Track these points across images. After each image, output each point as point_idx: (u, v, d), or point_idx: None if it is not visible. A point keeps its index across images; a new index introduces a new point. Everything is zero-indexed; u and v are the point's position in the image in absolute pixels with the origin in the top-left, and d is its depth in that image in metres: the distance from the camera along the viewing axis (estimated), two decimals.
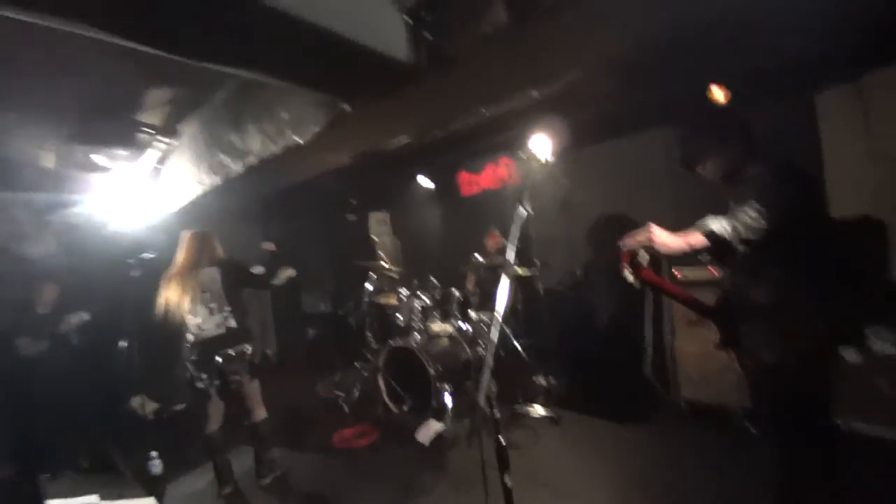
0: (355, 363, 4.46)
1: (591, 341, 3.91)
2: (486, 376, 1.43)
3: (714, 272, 3.01)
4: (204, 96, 3.44)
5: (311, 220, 5.49)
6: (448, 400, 3.38)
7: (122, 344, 3.38)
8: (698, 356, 3.08)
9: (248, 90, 3.17)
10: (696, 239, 1.60)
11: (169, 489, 3.01)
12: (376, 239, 5.17)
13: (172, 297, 2.84)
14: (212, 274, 2.92)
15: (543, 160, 1.87)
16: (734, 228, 1.55)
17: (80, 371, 3.48)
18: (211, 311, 2.84)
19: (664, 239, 1.63)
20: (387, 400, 3.80)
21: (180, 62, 2.55)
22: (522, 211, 1.69)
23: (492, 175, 4.78)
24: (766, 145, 1.77)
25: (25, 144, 3.05)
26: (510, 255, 1.81)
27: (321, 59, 1.84)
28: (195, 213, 4.18)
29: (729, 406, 2.90)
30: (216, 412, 2.85)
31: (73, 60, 2.54)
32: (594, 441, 3.02)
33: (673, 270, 3.18)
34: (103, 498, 2.12)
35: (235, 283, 2.96)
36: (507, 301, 4.11)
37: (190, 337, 2.81)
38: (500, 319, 1.65)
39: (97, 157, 3.51)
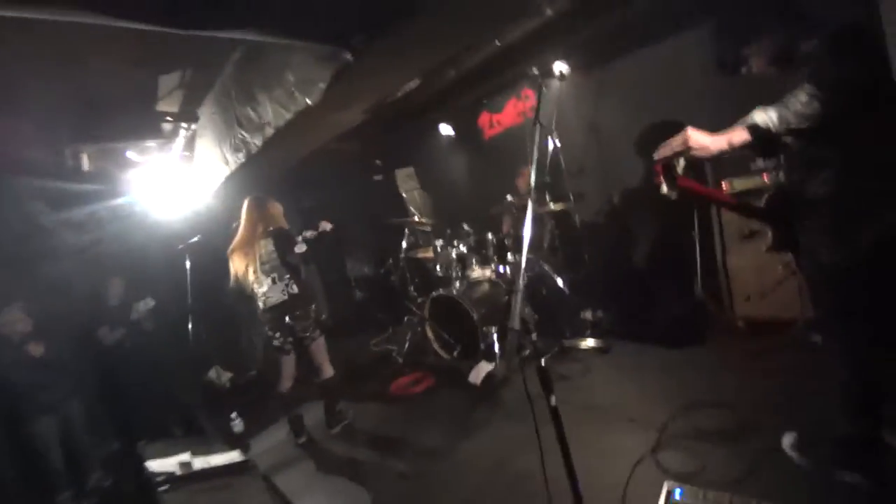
0: (404, 318, 4.61)
1: (637, 269, 3.79)
2: (518, 300, 1.40)
3: (768, 179, 2.77)
4: (212, 75, 3.44)
5: (340, 185, 5.53)
6: (495, 341, 3.45)
7: (190, 324, 3.67)
8: (753, 270, 2.91)
9: (253, 61, 3.12)
10: (738, 136, 1.43)
11: (252, 444, 3.35)
12: (405, 195, 5.15)
13: (239, 268, 3.07)
14: (268, 245, 3.09)
15: (559, 74, 1.72)
16: (781, 118, 1.37)
17: (158, 352, 3.83)
18: (273, 280, 3.04)
19: (702, 141, 1.47)
20: (437, 348, 3.94)
21: (182, 46, 2.54)
22: (537, 137, 1.59)
23: (513, 111, 4.53)
24: (818, 17, 1.52)
25: (62, 146, 3.21)
26: (533, 183, 1.72)
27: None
28: (228, 193, 4.32)
29: (789, 319, 2.75)
30: (289, 371, 3.13)
31: (82, 61, 2.59)
32: (647, 367, 2.98)
33: (721, 182, 2.95)
34: (194, 455, 2.38)
35: (286, 254, 3.10)
36: (546, 238, 4.05)
37: (259, 305, 3.05)
38: (525, 250, 1.60)
39: (129, 153, 3.66)
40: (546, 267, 3.80)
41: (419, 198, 5.18)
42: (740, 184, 2.87)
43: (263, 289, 3.03)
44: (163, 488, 2.11)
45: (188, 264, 3.68)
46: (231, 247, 3.15)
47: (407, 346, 4.21)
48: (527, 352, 1.66)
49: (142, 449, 2.60)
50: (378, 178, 5.28)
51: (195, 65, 3.07)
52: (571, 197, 3.75)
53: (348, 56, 2.32)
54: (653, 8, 3.09)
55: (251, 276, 3.03)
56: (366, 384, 3.96)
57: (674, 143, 1.52)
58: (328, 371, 3.16)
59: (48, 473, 3.04)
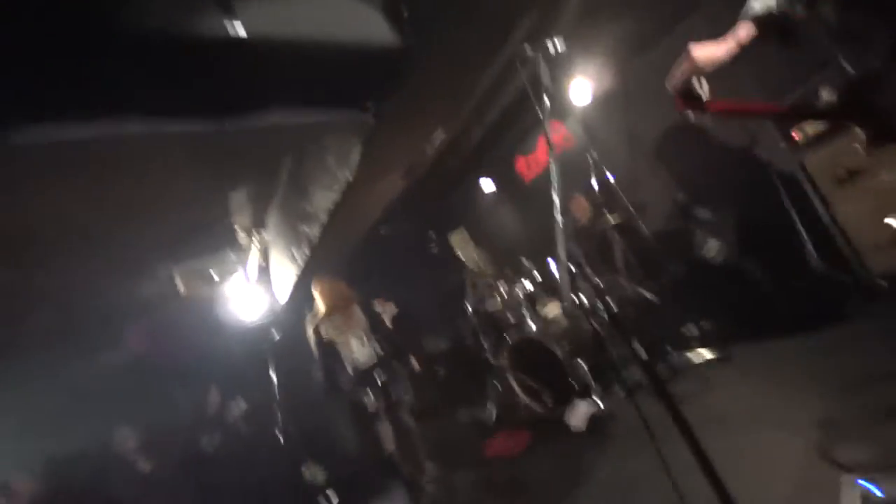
0: (488, 382, 4.31)
1: (733, 263, 3.30)
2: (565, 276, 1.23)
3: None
4: (272, 186, 3.92)
5: (400, 268, 5.71)
6: (587, 375, 3.06)
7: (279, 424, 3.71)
8: (870, 214, 2.40)
9: (299, 161, 3.54)
10: (743, 31, 1.31)
11: None
12: (463, 256, 5.16)
13: (327, 335, 3.26)
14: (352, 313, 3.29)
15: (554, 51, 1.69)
16: None
17: (254, 451, 3.85)
18: (362, 343, 3.18)
19: (708, 53, 1.34)
20: (526, 400, 3.55)
21: (242, 162, 2.96)
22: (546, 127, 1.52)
23: (546, 147, 4.57)
24: None
25: (161, 274, 3.70)
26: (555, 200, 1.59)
27: (321, 76, 1.99)
28: (299, 289, 4.61)
29: None
30: (387, 431, 3.08)
31: (159, 194, 3.08)
32: (782, 362, 2.44)
33: (791, 133, 2.62)
34: None
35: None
36: (617, 257, 3.75)
37: (349, 368, 3.17)
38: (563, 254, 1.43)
39: (213, 271, 4.13)
40: (628, 285, 3.47)
41: (477, 255, 5.16)
42: (813, 128, 2.53)
43: (353, 353, 3.19)
44: None
45: (271, 364, 3.84)
46: (312, 322, 3.37)
47: (495, 407, 3.86)
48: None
49: None
50: (434, 248, 5.40)
51: (257, 179, 3.52)
52: (631, 208, 3.53)
53: (371, 119, 2.55)
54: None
55: (341, 341, 3.21)
56: (459, 457, 3.59)
57: (681, 69, 1.39)
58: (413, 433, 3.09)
59: None
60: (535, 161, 4.80)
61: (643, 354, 3.12)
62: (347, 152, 2.86)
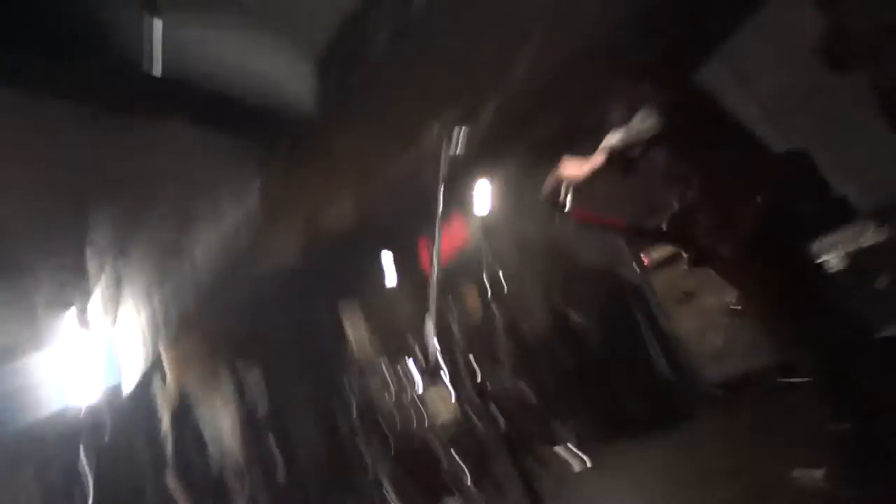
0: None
1: (593, 365, 3.60)
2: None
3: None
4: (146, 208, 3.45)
5: (282, 335, 5.21)
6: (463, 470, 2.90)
7: None
8: (700, 330, 2.88)
9: (192, 185, 3.22)
10: (597, 158, 1.69)
11: None
12: (352, 336, 4.90)
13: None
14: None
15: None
16: (623, 135, 1.63)
17: None
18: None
19: (573, 169, 1.72)
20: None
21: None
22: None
23: (448, 242, 4.85)
24: None
25: None
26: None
27: (235, 100, 1.96)
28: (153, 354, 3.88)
29: (761, 367, 2.61)
30: None
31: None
32: (637, 462, 2.59)
33: (641, 256, 3.16)
34: None
35: None
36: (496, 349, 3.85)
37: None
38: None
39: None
40: (507, 378, 3.54)
41: (367, 334, 4.94)
42: (657, 254, 3.08)
43: None
44: None
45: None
46: None
47: None
48: None
49: None
50: (322, 325, 5.07)
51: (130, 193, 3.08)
52: (516, 307, 3.79)
53: (276, 160, 2.50)
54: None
55: None
56: None
57: (550, 178, 1.76)
58: None
59: None
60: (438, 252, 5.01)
61: (514, 448, 3.09)
62: (244, 190, 2.72)
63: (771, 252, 1.55)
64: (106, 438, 2.99)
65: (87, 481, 2.72)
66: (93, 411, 3.25)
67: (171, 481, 2.92)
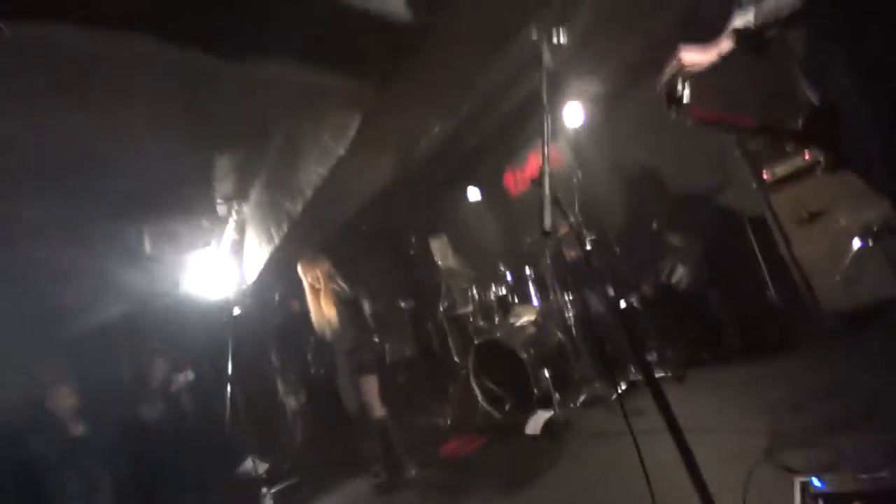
0: (449, 389, 4.25)
1: (696, 290, 3.43)
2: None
3: (808, 155, 2.62)
4: (260, 160, 3.86)
5: (377, 266, 5.68)
6: (550, 386, 3.07)
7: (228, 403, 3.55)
8: (827, 255, 2.56)
9: (292, 137, 3.52)
10: (725, 44, 1.45)
11: None
12: (441, 263, 5.17)
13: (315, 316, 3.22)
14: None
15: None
16: (757, 12, 1.36)
17: (195, 431, 3.66)
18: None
19: (693, 57, 1.49)
20: (486, 406, 3.52)
21: (231, 125, 2.91)
22: (547, 125, 1.58)
23: (537, 164, 4.72)
24: None
25: (125, 226, 3.54)
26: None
27: (329, 34, 2.02)
28: (272, 271, 4.51)
29: (888, 298, 2.32)
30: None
31: (141, 143, 2.98)
32: (735, 384, 2.53)
33: (762, 172, 2.81)
34: None
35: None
36: (591, 276, 3.83)
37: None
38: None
39: (184, 235, 4.00)
40: (597, 303, 3.54)
41: (455, 263, 5.18)
42: (782, 170, 2.73)
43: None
44: None
45: (230, 340, 3.70)
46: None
47: (453, 411, 3.80)
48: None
49: None
50: (412, 252, 5.40)
51: (246, 144, 3.47)
52: (609, 232, 3.66)
53: (371, 93, 2.59)
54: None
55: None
56: (412, 459, 3.50)
57: (668, 68, 1.54)
58: (380, 412, 3.02)
59: None
60: (523, 177, 4.94)
61: (605, 368, 3.16)
62: (344, 126, 2.88)
63: None
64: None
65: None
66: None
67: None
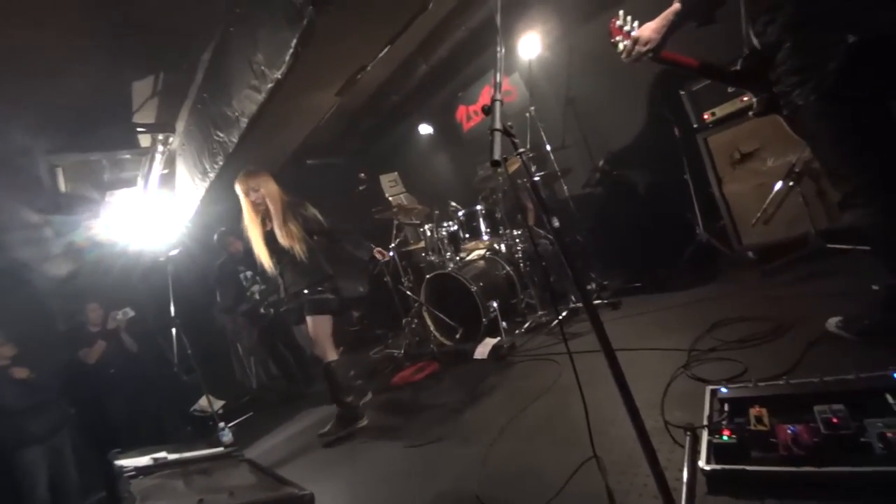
0: (402, 322, 4.37)
1: (635, 227, 3.65)
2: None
3: (745, 98, 2.73)
4: (185, 85, 3.43)
5: (326, 202, 5.48)
6: (497, 315, 3.24)
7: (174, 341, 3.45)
8: (752, 195, 2.77)
9: (222, 56, 3.13)
10: (671, 9, 1.58)
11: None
12: (391, 199, 5.09)
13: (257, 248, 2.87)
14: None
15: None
16: None
17: (143, 369, 3.59)
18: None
19: (647, 33, 1.61)
20: (437, 335, 3.69)
21: (152, 47, 2.50)
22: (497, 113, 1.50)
23: (488, 99, 4.58)
24: None
25: (39, 161, 3.10)
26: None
27: None
28: (210, 209, 4.23)
29: (799, 235, 2.59)
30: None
31: (55, 71, 2.55)
32: (662, 310, 2.79)
33: (703, 114, 2.91)
34: (171, 452, 2.10)
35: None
36: (537, 210, 3.92)
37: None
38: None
39: (104, 170, 3.59)
40: (540, 237, 3.68)
41: (406, 200, 5.12)
42: (721, 110, 2.84)
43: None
44: (131, 476, 1.81)
45: (169, 278, 3.51)
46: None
47: (407, 342, 3.95)
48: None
49: (114, 456, 2.31)
50: (362, 188, 5.24)
51: (170, 68, 3.06)
52: (558, 170, 3.72)
53: (311, 13, 2.31)
54: None
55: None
56: (366, 386, 3.66)
57: (633, 52, 1.66)
58: (331, 355, 2.87)
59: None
60: (476, 112, 4.81)
61: (549, 297, 3.32)
62: (280, 49, 2.59)
63: (856, 102, 1.39)
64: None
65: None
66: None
67: None
